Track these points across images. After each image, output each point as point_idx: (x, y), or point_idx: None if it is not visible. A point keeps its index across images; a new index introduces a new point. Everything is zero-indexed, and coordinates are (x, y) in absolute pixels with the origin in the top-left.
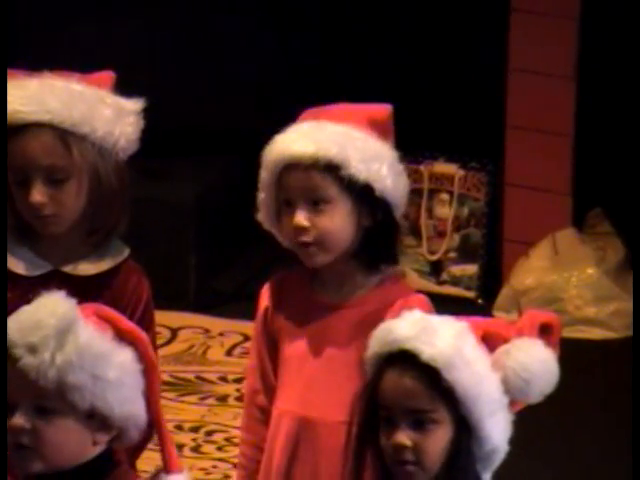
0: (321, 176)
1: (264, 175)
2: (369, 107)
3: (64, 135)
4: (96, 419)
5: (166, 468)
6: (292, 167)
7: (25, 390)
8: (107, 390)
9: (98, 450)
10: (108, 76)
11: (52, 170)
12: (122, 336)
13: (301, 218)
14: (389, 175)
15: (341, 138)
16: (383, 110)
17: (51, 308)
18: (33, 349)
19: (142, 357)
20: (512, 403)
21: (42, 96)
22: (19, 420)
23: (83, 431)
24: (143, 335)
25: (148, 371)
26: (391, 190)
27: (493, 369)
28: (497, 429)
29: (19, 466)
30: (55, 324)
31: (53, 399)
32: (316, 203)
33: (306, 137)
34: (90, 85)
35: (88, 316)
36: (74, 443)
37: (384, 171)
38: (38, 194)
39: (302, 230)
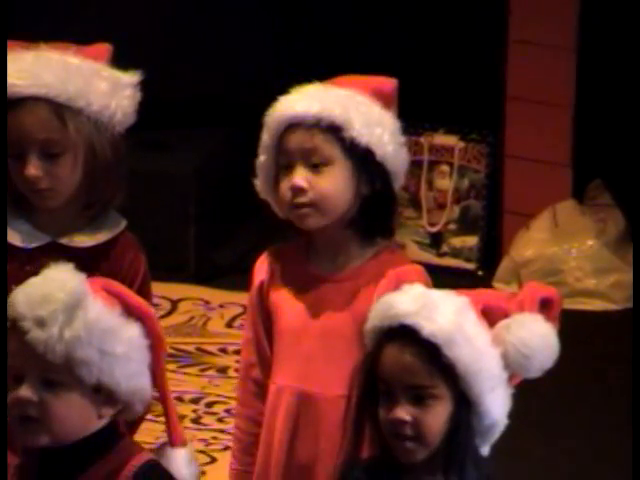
0: (323, 136)
1: (265, 137)
2: (374, 78)
3: (60, 109)
4: (102, 393)
5: (171, 441)
6: (294, 127)
7: (32, 362)
8: (114, 365)
9: (102, 423)
10: (104, 48)
11: (48, 144)
12: (130, 311)
13: (299, 178)
14: (390, 142)
15: (345, 100)
16: (388, 83)
17: (60, 282)
18: (41, 323)
19: (149, 332)
20: (511, 377)
21: (38, 70)
22: (26, 392)
23: (89, 405)
24: (151, 310)
25: (155, 346)
26: (391, 158)
27: (493, 344)
28: (497, 404)
29: (23, 439)
30: (64, 299)
31: (60, 373)
32: (316, 166)
33: (310, 97)
34: (86, 58)
35: (97, 291)
36: (80, 416)
37: (386, 138)
38: (33, 168)
39: (299, 191)
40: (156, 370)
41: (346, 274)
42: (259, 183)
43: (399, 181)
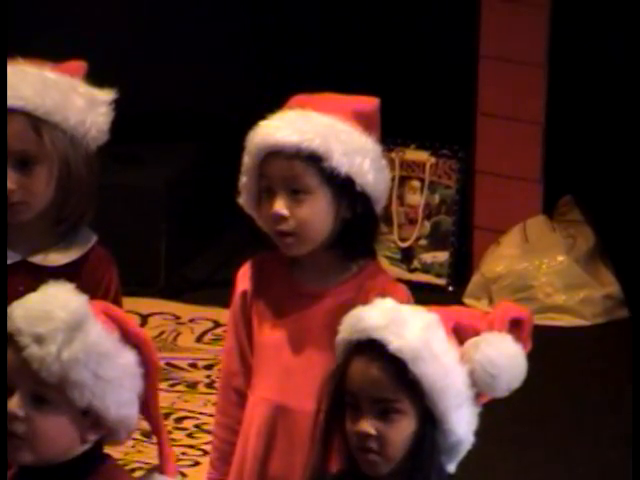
0: (303, 166)
1: (246, 160)
2: (356, 99)
3: (36, 122)
4: (90, 417)
5: (163, 470)
6: (274, 155)
7: (25, 377)
8: (107, 390)
9: (85, 448)
10: (80, 65)
11: (23, 156)
12: (127, 337)
13: (281, 206)
14: (371, 170)
15: (325, 130)
16: (369, 103)
17: (62, 301)
18: (40, 340)
19: (146, 360)
20: (479, 395)
21: (15, 82)
22: (14, 407)
23: (75, 428)
24: (148, 338)
25: (150, 374)
26: (372, 185)
27: (461, 361)
28: (462, 422)
29: (8, 455)
30: (65, 318)
31: (52, 391)
32: (296, 192)
33: (290, 126)
34: (63, 74)
35: (97, 314)
36: (65, 438)
37: (366, 166)
38: (8, 180)
39: (281, 219)
40: (149, 398)
41: (329, 291)
42: (242, 201)
43: (381, 203)
